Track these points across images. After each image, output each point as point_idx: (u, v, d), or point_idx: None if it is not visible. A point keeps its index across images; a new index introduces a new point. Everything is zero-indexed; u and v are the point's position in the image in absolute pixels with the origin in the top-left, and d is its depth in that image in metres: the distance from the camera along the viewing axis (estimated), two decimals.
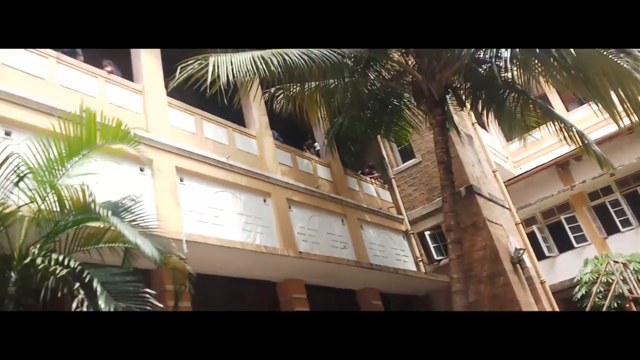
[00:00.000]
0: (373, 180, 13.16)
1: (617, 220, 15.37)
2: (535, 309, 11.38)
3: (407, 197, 13.34)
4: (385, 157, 13.92)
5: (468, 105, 10.71)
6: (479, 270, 11.36)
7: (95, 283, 3.67)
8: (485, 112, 10.50)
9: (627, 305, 11.14)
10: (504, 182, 14.71)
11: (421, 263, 12.31)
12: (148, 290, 4.10)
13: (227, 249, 7.08)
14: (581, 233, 15.77)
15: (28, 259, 3.91)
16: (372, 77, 10.34)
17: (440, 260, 12.00)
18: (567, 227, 15.97)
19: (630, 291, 11.29)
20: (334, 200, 10.89)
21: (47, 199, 4.35)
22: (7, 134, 5.86)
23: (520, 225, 13.62)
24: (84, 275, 3.74)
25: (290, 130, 11.57)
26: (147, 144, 7.15)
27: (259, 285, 8.38)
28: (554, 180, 16.35)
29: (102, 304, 3.59)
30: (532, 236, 15.14)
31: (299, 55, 7.77)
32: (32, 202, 4.31)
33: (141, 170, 7.19)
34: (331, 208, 10.70)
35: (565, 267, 15.13)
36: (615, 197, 15.57)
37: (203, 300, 6.40)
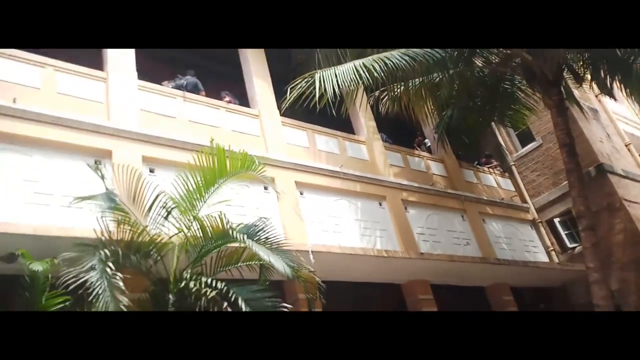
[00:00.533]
0: (491, 170, 12.71)
1: None
2: None
3: (530, 183, 12.67)
4: (502, 144, 13.35)
5: (588, 77, 9.94)
6: (620, 255, 10.44)
7: (240, 301, 4.13)
8: (609, 81, 9.65)
9: None
10: None
11: (553, 253, 11.62)
12: (285, 304, 4.50)
13: (349, 256, 7.40)
14: None
15: (182, 284, 4.50)
16: (479, 65, 10.04)
17: (575, 247, 11.23)
18: None
19: None
20: (451, 196, 10.73)
21: (191, 228, 4.95)
22: (151, 171, 6.71)
23: None
24: (230, 295, 4.23)
25: (399, 131, 11.63)
26: (267, 163, 7.68)
27: (384, 288, 8.59)
28: None
29: None
30: None
31: (400, 56, 7.88)
32: (179, 232, 4.93)
33: (265, 188, 7.75)
34: (449, 204, 10.56)
35: None
36: None
37: (332, 306, 6.73)
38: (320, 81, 7.53)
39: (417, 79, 9.56)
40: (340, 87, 7.49)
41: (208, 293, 4.23)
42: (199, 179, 5.05)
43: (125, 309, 3.92)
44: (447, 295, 8.92)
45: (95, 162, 6.21)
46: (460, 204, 10.73)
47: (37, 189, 5.67)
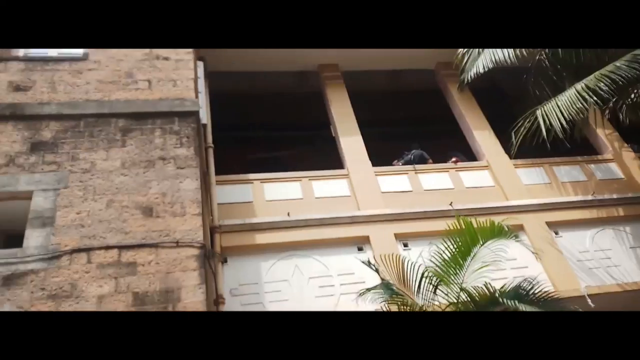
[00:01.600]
0: None
1: None
2: None
3: None
4: None
5: None
6: None
7: None
8: None
9: None
10: None
11: None
12: None
13: (633, 292, 6.68)
14: None
15: None
16: None
17: None
18: None
19: None
20: None
21: (460, 297, 5.25)
22: (405, 245, 7.30)
23: None
24: None
25: None
26: (511, 211, 7.65)
27: None
28: None
29: None
30: None
31: (628, 64, 7.18)
32: (450, 304, 5.27)
33: (516, 237, 7.61)
34: None
35: None
36: None
37: None
38: (543, 117, 7.35)
39: None
40: (567, 118, 7.15)
41: None
42: (453, 249, 5.37)
43: None
44: None
45: (358, 249, 7.15)
46: None
47: (320, 284, 6.76)
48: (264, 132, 10.65)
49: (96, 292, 4.36)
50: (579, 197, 8.26)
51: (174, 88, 5.94)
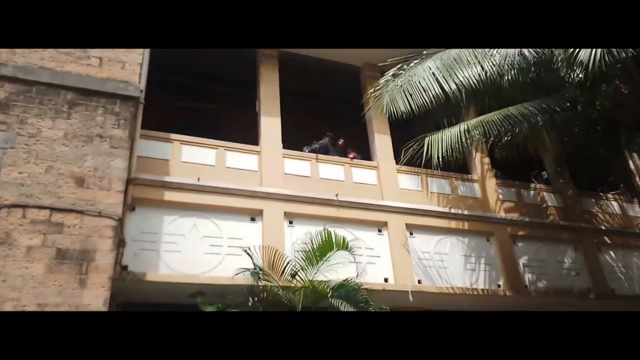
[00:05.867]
0: (618, 197, 12.64)
1: None
2: None
3: None
4: (633, 169, 13.03)
5: None
6: None
7: None
8: None
9: None
10: None
11: None
12: None
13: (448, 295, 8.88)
14: None
15: None
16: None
17: None
18: None
19: None
20: (565, 228, 11.22)
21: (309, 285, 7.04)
22: (290, 223, 8.90)
23: None
24: None
25: (515, 165, 12.22)
26: (381, 210, 9.50)
27: None
28: None
29: None
30: None
31: (501, 119, 8.83)
32: (302, 288, 7.04)
33: (379, 231, 9.50)
34: (561, 236, 11.09)
35: None
36: None
37: None
38: (428, 145, 8.88)
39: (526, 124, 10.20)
40: (445, 154, 8.65)
41: None
42: (316, 252, 7.10)
43: None
44: None
45: (251, 219, 8.66)
46: (574, 235, 11.14)
47: (211, 243, 8.22)
48: (193, 80, 11.43)
49: (26, 243, 5.55)
50: (438, 208, 10.25)
51: (122, 70, 6.78)
